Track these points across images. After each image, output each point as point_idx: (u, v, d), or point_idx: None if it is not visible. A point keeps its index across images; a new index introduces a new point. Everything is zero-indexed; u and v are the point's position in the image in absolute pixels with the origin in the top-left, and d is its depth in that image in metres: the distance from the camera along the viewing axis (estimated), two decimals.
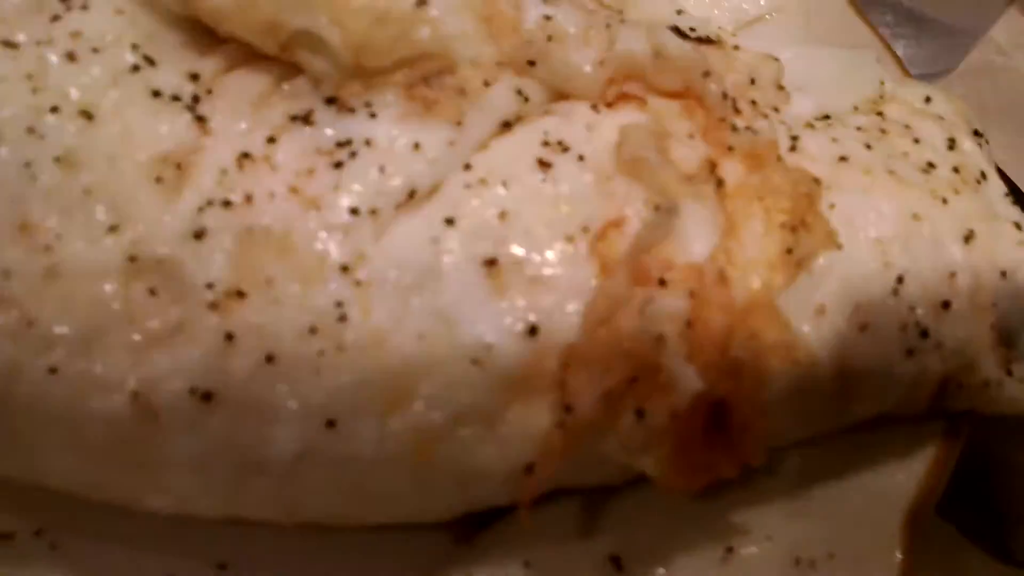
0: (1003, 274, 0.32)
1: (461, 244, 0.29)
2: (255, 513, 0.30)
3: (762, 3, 0.46)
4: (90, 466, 0.29)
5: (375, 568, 0.32)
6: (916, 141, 0.35)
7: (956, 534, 0.38)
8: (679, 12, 0.39)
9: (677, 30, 0.35)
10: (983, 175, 0.35)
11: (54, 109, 0.29)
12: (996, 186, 0.35)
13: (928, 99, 0.38)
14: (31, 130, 0.28)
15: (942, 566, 0.37)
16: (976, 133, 0.38)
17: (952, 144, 0.36)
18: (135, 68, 0.30)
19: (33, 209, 0.28)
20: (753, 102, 0.33)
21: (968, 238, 0.32)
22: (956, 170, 0.34)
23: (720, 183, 0.30)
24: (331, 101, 0.30)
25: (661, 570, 0.30)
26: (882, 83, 0.38)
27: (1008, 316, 0.32)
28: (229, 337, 0.27)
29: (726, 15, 0.44)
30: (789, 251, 0.29)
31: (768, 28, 0.45)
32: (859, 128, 0.35)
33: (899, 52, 0.63)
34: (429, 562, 0.32)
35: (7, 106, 0.29)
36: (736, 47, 0.37)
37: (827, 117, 0.37)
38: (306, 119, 0.30)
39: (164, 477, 0.29)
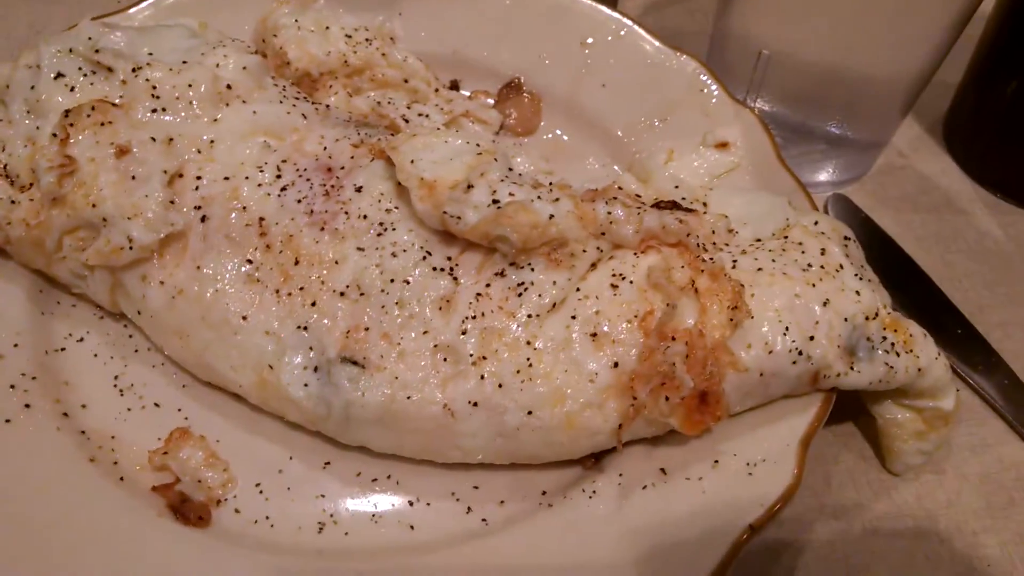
0: (844, 319, 0.65)
1: (580, 326, 0.63)
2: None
3: (725, 164, 0.80)
4: None
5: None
6: (803, 252, 0.68)
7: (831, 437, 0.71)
8: (676, 187, 0.74)
9: (675, 204, 0.70)
10: (840, 267, 0.68)
11: (391, 279, 0.64)
12: (849, 272, 0.68)
13: (816, 222, 0.72)
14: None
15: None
16: (846, 238, 0.71)
17: (823, 251, 0.69)
18: (423, 257, 0.65)
19: None
20: (714, 244, 0.67)
21: (825, 303, 0.65)
22: (823, 266, 0.68)
23: (696, 290, 0.63)
24: (511, 264, 0.65)
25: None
26: (787, 219, 0.71)
27: (848, 340, 0.65)
28: (474, 404, 0.62)
29: (705, 175, 0.79)
30: (731, 319, 0.63)
31: (731, 177, 0.80)
32: (771, 249, 0.68)
33: (830, 166, 0.95)
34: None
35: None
36: (705, 204, 0.72)
37: (759, 240, 0.70)
38: (501, 274, 0.65)
39: None
